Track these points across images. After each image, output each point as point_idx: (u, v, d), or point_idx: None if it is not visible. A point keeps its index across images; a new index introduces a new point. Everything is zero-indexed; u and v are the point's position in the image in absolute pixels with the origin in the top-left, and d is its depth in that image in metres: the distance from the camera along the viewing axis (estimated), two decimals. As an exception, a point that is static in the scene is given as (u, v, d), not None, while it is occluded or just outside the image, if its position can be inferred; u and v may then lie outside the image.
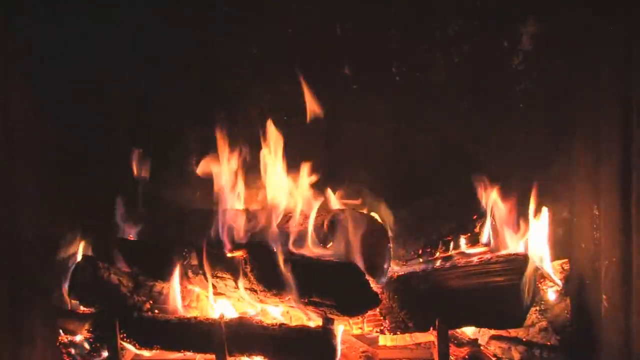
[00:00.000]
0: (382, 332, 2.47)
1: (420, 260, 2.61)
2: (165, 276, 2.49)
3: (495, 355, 2.48)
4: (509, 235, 2.58)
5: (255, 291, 2.40)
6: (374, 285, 2.38)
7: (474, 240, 2.63)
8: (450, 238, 2.63)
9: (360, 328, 2.49)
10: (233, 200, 2.65)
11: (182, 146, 2.81)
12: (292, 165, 2.67)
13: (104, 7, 2.68)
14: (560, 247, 2.66)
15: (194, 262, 2.47)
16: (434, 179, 2.76)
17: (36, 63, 2.51)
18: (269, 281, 2.37)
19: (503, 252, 2.54)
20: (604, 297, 2.39)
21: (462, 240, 2.62)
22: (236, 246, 2.43)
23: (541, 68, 2.68)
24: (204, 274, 2.47)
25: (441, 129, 2.75)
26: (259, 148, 2.65)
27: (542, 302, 2.53)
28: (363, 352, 2.45)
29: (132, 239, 2.67)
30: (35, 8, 2.54)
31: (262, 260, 2.39)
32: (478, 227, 2.62)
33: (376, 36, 2.70)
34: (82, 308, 2.57)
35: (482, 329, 2.54)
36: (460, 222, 2.65)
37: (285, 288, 2.34)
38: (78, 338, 2.53)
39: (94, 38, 2.69)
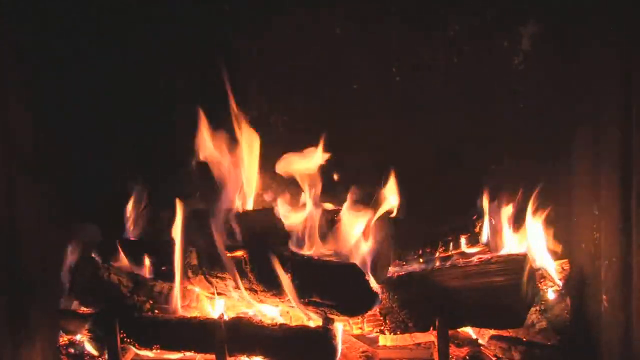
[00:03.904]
0: (382, 332, 2.47)
1: (420, 260, 2.61)
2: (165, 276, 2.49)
3: (495, 355, 2.48)
4: (508, 235, 2.58)
5: (255, 291, 2.40)
6: (374, 285, 2.38)
7: (474, 240, 2.63)
8: (450, 238, 2.63)
9: (360, 328, 2.49)
10: (234, 200, 2.65)
11: (182, 146, 2.82)
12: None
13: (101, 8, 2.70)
14: (560, 247, 2.67)
15: (194, 262, 2.47)
16: (434, 179, 2.76)
17: (35, 65, 2.51)
18: (269, 281, 2.37)
19: (503, 252, 2.54)
20: (604, 297, 2.39)
21: (462, 240, 2.63)
22: (236, 246, 2.43)
23: (541, 68, 2.68)
24: (204, 274, 2.47)
25: (441, 128, 2.75)
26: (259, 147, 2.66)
27: (542, 302, 2.52)
28: (363, 352, 2.45)
29: (132, 239, 2.67)
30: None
31: (262, 260, 2.39)
32: (478, 227, 2.62)
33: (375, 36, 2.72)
34: (82, 308, 2.57)
35: (482, 329, 2.54)
36: (460, 222, 2.65)
37: (285, 288, 2.34)
38: (78, 338, 2.53)
39: (92, 41, 2.71)
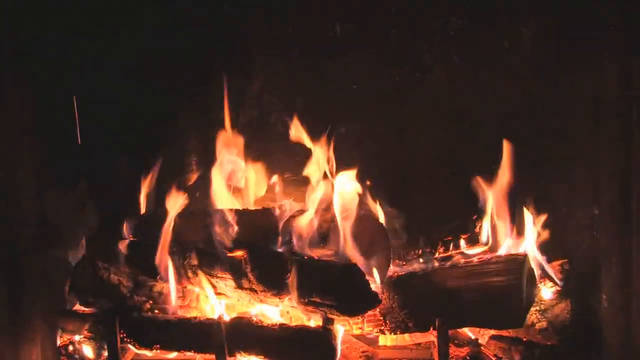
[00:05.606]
0: (382, 332, 2.47)
1: (420, 260, 2.61)
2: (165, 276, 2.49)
3: (495, 355, 2.48)
4: (508, 235, 2.58)
5: (256, 291, 2.40)
6: (374, 285, 2.38)
7: (474, 240, 2.63)
8: (450, 238, 2.63)
9: (360, 328, 2.49)
10: (233, 200, 2.66)
11: (181, 146, 2.82)
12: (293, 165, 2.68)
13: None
14: (560, 247, 2.66)
15: (194, 262, 2.47)
16: (435, 179, 2.76)
17: (35, 65, 2.52)
18: (269, 281, 2.37)
19: (502, 252, 2.54)
20: (604, 297, 2.39)
21: (462, 240, 2.62)
22: (236, 246, 2.43)
23: (541, 67, 2.68)
24: (205, 274, 2.46)
25: (441, 128, 2.75)
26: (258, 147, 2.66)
27: (542, 302, 2.52)
28: (363, 352, 2.45)
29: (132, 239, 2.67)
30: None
31: (262, 260, 2.39)
32: (478, 227, 2.62)
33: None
34: (82, 308, 2.57)
35: (482, 329, 2.54)
36: (460, 222, 2.65)
37: (285, 288, 2.34)
38: (78, 338, 2.53)
39: (92, 41, 2.71)
